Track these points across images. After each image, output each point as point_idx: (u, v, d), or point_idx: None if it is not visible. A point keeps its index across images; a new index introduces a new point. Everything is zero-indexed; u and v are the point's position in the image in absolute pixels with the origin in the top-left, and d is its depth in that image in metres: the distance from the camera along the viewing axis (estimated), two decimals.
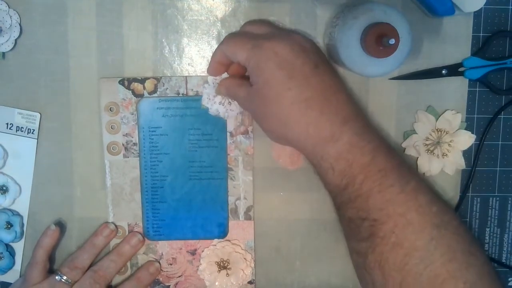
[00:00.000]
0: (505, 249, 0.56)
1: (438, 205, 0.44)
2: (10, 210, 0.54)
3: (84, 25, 0.52)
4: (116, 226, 0.55)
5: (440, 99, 0.54)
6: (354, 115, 0.45)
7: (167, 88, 0.53)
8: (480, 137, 0.54)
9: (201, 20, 0.53)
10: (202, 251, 0.55)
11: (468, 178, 0.55)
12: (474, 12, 0.51)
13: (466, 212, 0.56)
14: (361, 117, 0.46)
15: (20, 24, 0.52)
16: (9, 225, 0.54)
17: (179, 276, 0.56)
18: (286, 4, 0.52)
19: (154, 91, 0.53)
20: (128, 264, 0.55)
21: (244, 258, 0.55)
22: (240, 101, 0.50)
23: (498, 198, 0.56)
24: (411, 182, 0.44)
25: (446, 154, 0.54)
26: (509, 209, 0.56)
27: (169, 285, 0.56)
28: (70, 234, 0.55)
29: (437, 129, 0.54)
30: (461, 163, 0.54)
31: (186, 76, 0.53)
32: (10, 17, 0.51)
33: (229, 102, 0.52)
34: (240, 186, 0.55)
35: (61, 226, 0.54)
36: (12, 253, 0.55)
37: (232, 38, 0.48)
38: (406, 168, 0.45)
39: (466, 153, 0.54)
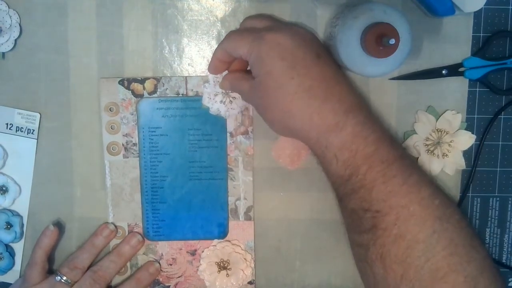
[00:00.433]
0: (505, 249, 0.56)
1: (441, 198, 0.43)
2: (10, 210, 0.54)
3: (84, 25, 0.52)
4: (116, 226, 0.55)
5: (440, 99, 0.54)
6: (357, 105, 0.45)
7: (167, 88, 0.53)
8: (480, 137, 0.54)
9: (201, 20, 0.53)
10: (202, 251, 0.55)
11: (468, 178, 0.55)
12: (474, 12, 0.51)
13: (466, 212, 0.56)
14: (364, 107, 0.46)
15: (20, 24, 0.52)
16: (9, 226, 0.54)
17: (179, 277, 0.56)
18: (286, 4, 0.52)
19: (154, 91, 0.53)
20: (128, 264, 0.55)
21: (244, 259, 0.55)
22: (243, 94, 0.50)
23: (498, 199, 0.56)
24: (414, 174, 0.43)
25: (446, 154, 0.54)
26: (509, 209, 0.56)
27: (169, 286, 0.56)
28: (69, 234, 0.55)
29: (437, 129, 0.54)
30: (461, 163, 0.54)
31: (186, 76, 0.53)
32: (10, 17, 0.51)
33: (230, 100, 0.52)
34: (240, 186, 0.55)
35: (60, 226, 0.54)
36: (12, 254, 0.55)
37: (232, 34, 0.49)
38: (409, 160, 0.45)
39: (466, 153, 0.54)
